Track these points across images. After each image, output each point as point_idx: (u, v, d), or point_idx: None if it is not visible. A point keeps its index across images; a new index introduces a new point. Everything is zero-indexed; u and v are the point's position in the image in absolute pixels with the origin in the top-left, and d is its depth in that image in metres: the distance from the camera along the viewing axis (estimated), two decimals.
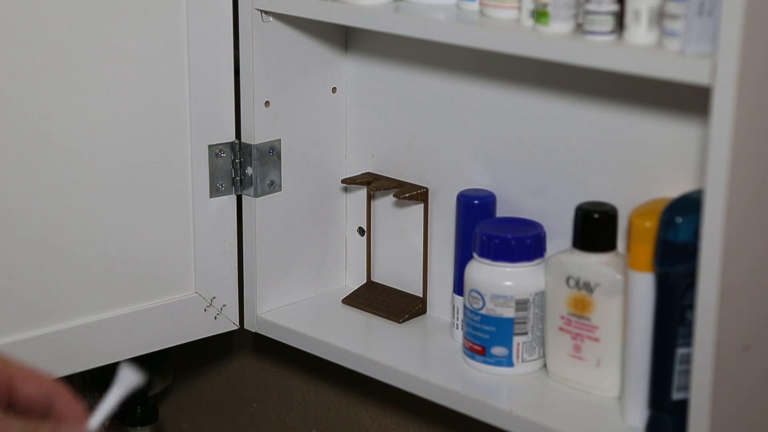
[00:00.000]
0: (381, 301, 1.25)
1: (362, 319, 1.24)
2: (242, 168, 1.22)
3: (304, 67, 1.22)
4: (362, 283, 1.28)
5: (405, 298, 1.25)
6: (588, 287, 1.06)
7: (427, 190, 1.21)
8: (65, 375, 1.16)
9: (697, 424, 0.95)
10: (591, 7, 0.96)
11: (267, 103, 1.20)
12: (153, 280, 1.20)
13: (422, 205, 1.22)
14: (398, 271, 1.26)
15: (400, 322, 1.22)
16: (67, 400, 0.84)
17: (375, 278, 1.28)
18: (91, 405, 1.42)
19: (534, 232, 1.10)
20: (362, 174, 1.26)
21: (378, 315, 1.24)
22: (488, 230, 1.10)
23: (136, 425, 1.42)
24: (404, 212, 1.24)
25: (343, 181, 1.26)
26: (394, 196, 1.22)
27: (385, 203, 1.26)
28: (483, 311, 1.10)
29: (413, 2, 1.09)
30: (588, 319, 1.06)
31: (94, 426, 0.84)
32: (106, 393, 0.85)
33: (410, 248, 1.24)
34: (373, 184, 1.23)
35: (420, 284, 1.24)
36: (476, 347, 1.11)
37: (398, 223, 1.25)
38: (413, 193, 1.21)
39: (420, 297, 1.24)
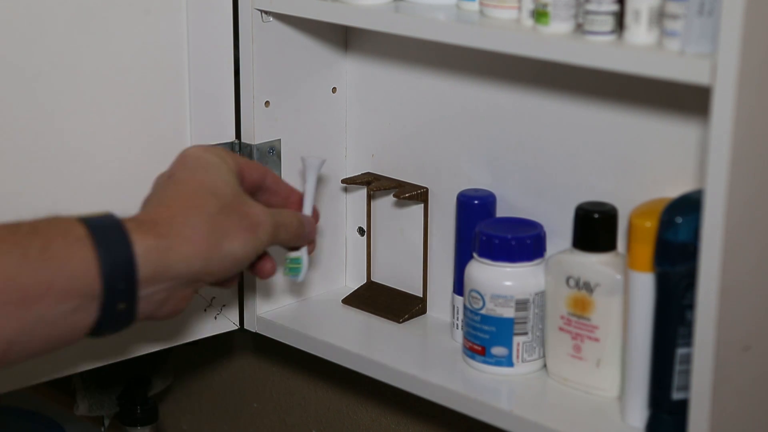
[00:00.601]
0: (381, 301, 1.25)
1: (362, 320, 1.24)
2: None
3: (304, 67, 1.22)
4: (362, 283, 1.28)
5: (405, 298, 1.25)
6: (588, 287, 1.06)
7: (427, 190, 1.21)
8: (65, 375, 1.16)
9: (697, 424, 0.95)
10: (591, 7, 0.96)
11: (267, 103, 1.20)
12: None
13: (422, 205, 1.22)
14: (398, 271, 1.26)
15: (399, 322, 1.22)
16: (274, 180, 1.09)
17: (375, 278, 1.28)
18: (91, 406, 1.42)
19: (534, 232, 1.10)
20: (362, 174, 1.26)
21: (378, 315, 1.24)
22: (488, 230, 1.10)
23: (136, 425, 1.42)
24: (404, 212, 1.24)
25: (343, 181, 1.26)
26: (394, 196, 1.22)
27: (385, 203, 1.26)
28: (483, 311, 1.10)
29: (413, 2, 1.09)
30: (588, 319, 1.06)
31: (308, 210, 1.11)
32: (304, 182, 1.12)
33: (410, 248, 1.24)
34: (373, 184, 1.23)
35: (420, 284, 1.24)
36: (476, 347, 1.11)
37: (398, 223, 1.25)
38: (413, 193, 1.21)
39: (420, 297, 1.24)
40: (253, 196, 1.06)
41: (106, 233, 0.90)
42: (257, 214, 1.00)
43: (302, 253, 1.11)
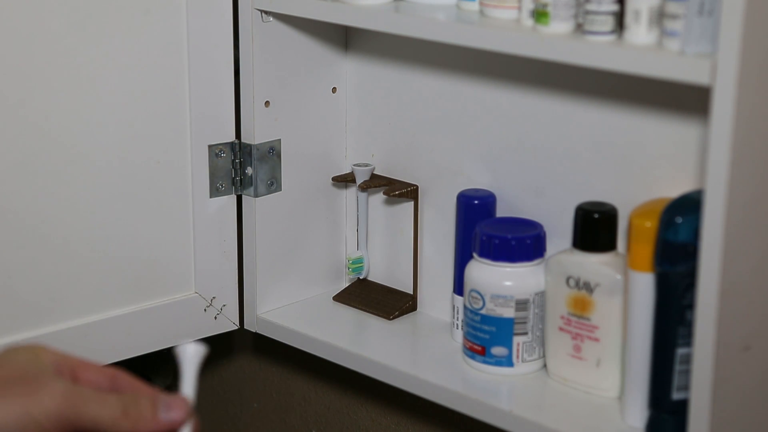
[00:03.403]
0: (372, 298, 1.25)
1: (355, 318, 1.24)
2: (242, 168, 1.22)
3: (304, 67, 1.22)
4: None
5: (396, 295, 1.25)
6: (588, 287, 1.06)
7: (417, 187, 1.22)
8: None
9: (697, 424, 0.95)
10: (591, 7, 0.96)
11: (267, 103, 1.20)
12: (153, 280, 1.20)
13: (413, 202, 1.22)
14: (393, 270, 1.26)
15: (390, 319, 1.23)
16: (129, 381, 0.83)
17: (371, 276, 1.28)
18: None
19: (534, 232, 1.10)
20: (350, 172, 1.26)
21: (368, 312, 1.24)
22: (488, 230, 1.10)
23: None
24: (403, 212, 1.24)
25: (333, 179, 1.26)
26: (384, 193, 1.22)
27: (384, 202, 1.26)
28: (483, 311, 1.10)
29: (413, 2, 1.09)
30: (588, 319, 1.06)
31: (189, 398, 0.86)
32: (179, 376, 0.88)
33: (407, 247, 1.24)
34: (364, 181, 1.24)
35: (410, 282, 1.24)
36: (476, 347, 1.12)
37: (396, 221, 1.25)
38: (403, 191, 1.21)
39: (410, 294, 1.24)
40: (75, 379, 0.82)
41: None
42: (43, 383, 0.77)
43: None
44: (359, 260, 1.23)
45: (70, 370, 0.81)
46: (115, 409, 0.79)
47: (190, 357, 0.88)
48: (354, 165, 1.24)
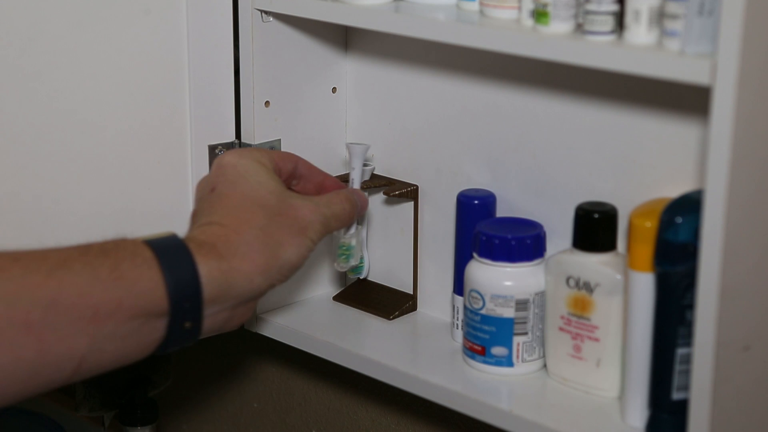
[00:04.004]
0: (372, 298, 1.25)
1: (355, 318, 1.24)
2: None
3: (304, 67, 1.22)
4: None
5: (395, 295, 1.25)
6: (588, 287, 1.06)
7: (417, 187, 1.22)
8: None
9: (697, 424, 0.95)
10: (591, 7, 0.96)
11: (267, 103, 1.20)
12: None
13: (412, 202, 1.22)
14: (393, 270, 1.26)
15: (390, 319, 1.23)
16: (333, 181, 1.12)
17: (371, 276, 1.28)
18: (91, 406, 1.42)
19: (534, 232, 1.10)
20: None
21: (368, 312, 1.24)
22: (488, 230, 1.10)
23: (136, 425, 1.42)
24: (403, 212, 1.24)
25: None
26: (384, 193, 1.22)
27: (384, 202, 1.26)
28: (483, 311, 1.10)
29: (413, 2, 1.09)
30: (588, 319, 1.06)
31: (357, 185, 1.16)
32: (351, 168, 1.16)
33: (407, 247, 1.24)
34: (364, 181, 1.24)
35: (411, 282, 1.24)
36: (476, 347, 1.12)
37: (396, 221, 1.25)
38: (403, 191, 1.21)
39: (410, 294, 1.24)
40: (288, 185, 1.08)
41: (172, 255, 0.94)
42: (305, 216, 1.02)
43: (351, 239, 1.16)
44: (348, 247, 1.22)
45: (276, 167, 1.05)
46: (345, 206, 1.07)
47: (358, 153, 1.16)
48: (349, 143, 1.23)
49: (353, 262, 1.17)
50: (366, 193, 1.15)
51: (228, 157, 1.04)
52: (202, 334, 0.97)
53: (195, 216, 1.02)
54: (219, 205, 1.00)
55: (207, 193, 1.03)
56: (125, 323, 0.91)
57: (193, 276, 0.94)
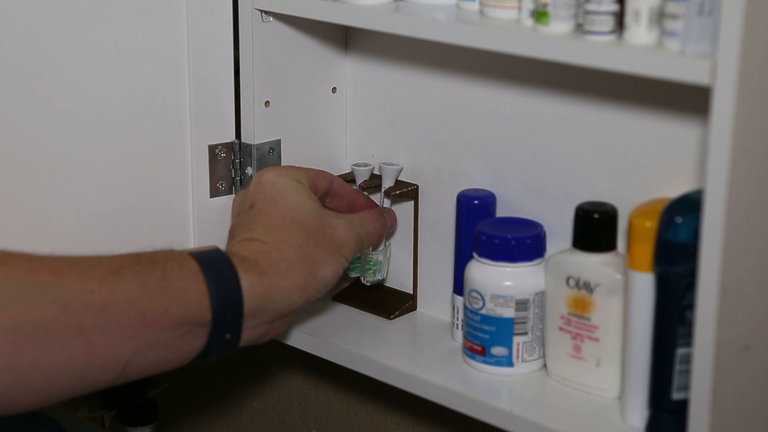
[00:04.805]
0: (372, 298, 1.25)
1: (355, 318, 1.24)
2: (242, 168, 1.22)
3: (304, 67, 1.22)
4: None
5: (395, 295, 1.25)
6: (588, 287, 1.06)
7: (417, 187, 1.22)
8: None
9: (697, 424, 0.95)
10: (591, 7, 0.96)
11: (267, 103, 1.20)
12: None
13: (413, 202, 1.22)
14: (393, 270, 1.26)
15: (390, 319, 1.23)
16: (364, 200, 1.17)
17: None
18: (91, 406, 1.42)
19: (534, 232, 1.10)
20: (350, 172, 1.26)
21: (368, 312, 1.24)
22: (488, 230, 1.10)
23: (136, 425, 1.42)
24: (403, 212, 1.24)
25: None
26: (384, 193, 1.22)
27: (378, 201, 1.26)
28: (483, 311, 1.10)
29: (413, 2, 1.09)
30: (588, 319, 1.06)
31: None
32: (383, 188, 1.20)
33: (407, 247, 1.24)
34: (364, 181, 1.24)
35: (410, 282, 1.24)
36: (476, 347, 1.12)
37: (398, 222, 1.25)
38: (403, 191, 1.21)
39: (410, 294, 1.24)
40: (322, 202, 1.12)
41: (217, 269, 0.99)
42: (341, 235, 1.07)
43: (379, 255, 1.21)
44: (359, 260, 1.23)
45: (312, 185, 1.10)
46: (377, 225, 1.12)
47: (390, 174, 1.21)
48: (354, 165, 1.24)
49: (380, 277, 1.22)
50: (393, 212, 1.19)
51: (267, 175, 1.08)
52: (240, 346, 1.01)
53: (234, 231, 1.07)
54: (259, 223, 1.05)
55: (246, 210, 1.07)
56: (170, 331, 0.95)
57: (236, 289, 0.98)
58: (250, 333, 1.02)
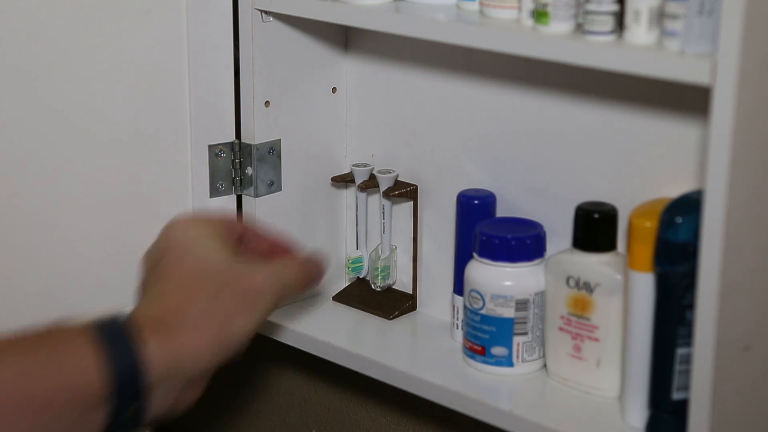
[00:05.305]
0: (372, 298, 1.25)
1: (355, 318, 1.24)
2: (242, 168, 1.22)
3: (304, 67, 1.22)
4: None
5: (396, 295, 1.25)
6: (588, 287, 1.06)
7: (417, 187, 1.22)
8: None
9: (697, 424, 0.95)
10: (591, 7, 0.96)
11: (267, 103, 1.20)
12: None
13: (412, 202, 1.22)
14: (393, 269, 1.26)
15: (390, 319, 1.23)
16: (283, 246, 1.06)
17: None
18: None
19: (534, 232, 1.10)
20: (350, 172, 1.26)
21: (368, 312, 1.24)
22: (488, 230, 1.10)
23: None
24: (403, 212, 1.24)
25: (332, 179, 1.26)
26: (384, 193, 1.22)
27: (378, 201, 1.26)
28: (483, 311, 1.10)
29: (413, 2, 1.09)
30: (588, 319, 1.06)
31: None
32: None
33: (407, 247, 1.24)
34: (363, 181, 1.24)
35: (410, 282, 1.24)
36: (476, 347, 1.12)
37: (396, 221, 1.25)
38: (403, 191, 1.21)
39: (410, 294, 1.24)
40: (238, 248, 1.04)
41: (114, 340, 0.91)
42: (256, 285, 0.98)
43: (387, 261, 1.23)
44: (359, 260, 1.24)
45: (225, 231, 1.02)
46: (299, 271, 1.03)
47: (385, 181, 1.18)
48: (353, 165, 1.24)
49: (389, 281, 1.23)
50: (321, 261, 1.07)
51: (176, 225, 1.02)
52: (150, 417, 0.94)
53: (143, 286, 1.01)
54: (167, 277, 0.98)
55: (156, 263, 1.00)
56: (63, 413, 0.89)
57: (136, 359, 0.91)
58: (161, 402, 0.94)
